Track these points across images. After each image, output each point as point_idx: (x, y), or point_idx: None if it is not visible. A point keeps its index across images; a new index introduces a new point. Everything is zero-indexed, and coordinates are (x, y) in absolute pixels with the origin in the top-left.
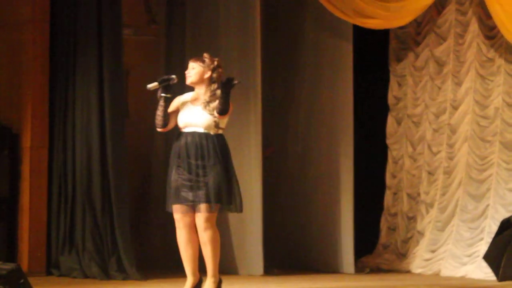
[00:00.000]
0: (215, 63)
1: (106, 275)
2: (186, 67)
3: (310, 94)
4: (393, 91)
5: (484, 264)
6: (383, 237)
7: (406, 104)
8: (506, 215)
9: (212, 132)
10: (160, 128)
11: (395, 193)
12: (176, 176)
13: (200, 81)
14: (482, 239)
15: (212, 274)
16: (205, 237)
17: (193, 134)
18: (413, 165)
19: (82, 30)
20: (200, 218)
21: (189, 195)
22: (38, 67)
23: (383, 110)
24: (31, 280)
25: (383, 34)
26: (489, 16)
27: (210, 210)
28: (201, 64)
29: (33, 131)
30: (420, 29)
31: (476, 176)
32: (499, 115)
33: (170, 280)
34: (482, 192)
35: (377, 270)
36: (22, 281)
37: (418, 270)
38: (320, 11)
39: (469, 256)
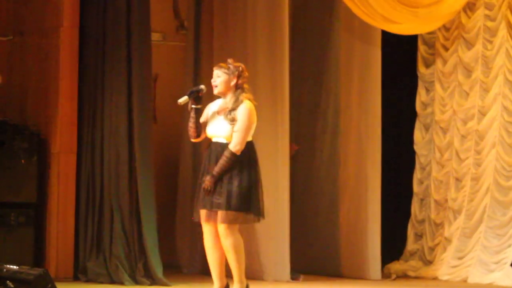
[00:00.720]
0: (240, 68)
1: (133, 281)
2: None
3: (337, 99)
4: (421, 97)
5: None
6: (410, 244)
7: (434, 110)
8: None
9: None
10: (194, 139)
11: (422, 200)
12: (201, 186)
13: (227, 89)
14: (510, 245)
15: (238, 280)
16: (226, 245)
17: (216, 144)
18: (441, 172)
19: (111, 35)
20: (220, 226)
21: (210, 203)
22: (67, 73)
23: (411, 116)
24: (58, 285)
25: (411, 40)
26: None
27: (228, 218)
28: (226, 71)
29: (62, 136)
30: (449, 34)
31: (504, 182)
32: None
33: (197, 285)
34: (510, 198)
35: (403, 276)
36: (49, 286)
37: (445, 277)
38: (348, 15)
39: (496, 263)
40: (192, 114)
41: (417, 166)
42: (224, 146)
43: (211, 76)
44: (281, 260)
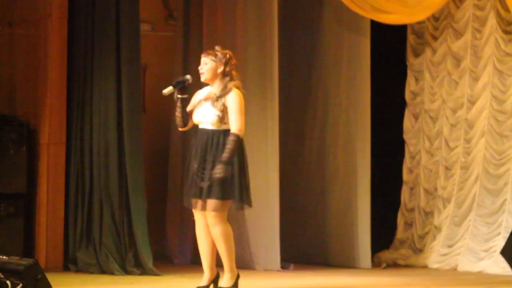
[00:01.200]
0: (227, 56)
1: (123, 270)
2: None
3: (327, 89)
4: (410, 86)
5: (501, 259)
6: (399, 232)
7: (423, 99)
8: None
9: (218, 128)
10: (181, 128)
11: (412, 188)
12: (189, 172)
13: (214, 77)
14: (499, 234)
15: (228, 270)
16: (214, 233)
17: (202, 131)
18: (430, 160)
19: (100, 26)
20: (208, 214)
21: (198, 191)
22: (56, 63)
23: (400, 105)
24: (48, 275)
25: (401, 29)
26: (507, 11)
27: (216, 206)
28: (213, 58)
29: (51, 127)
30: (438, 24)
31: (493, 171)
32: None
33: (187, 275)
34: (499, 187)
35: (393, 265)
36: (39, 276)
37: (435, 265)
38: (337, 6)
39: (486, 251)
40: (178, 104)
41: (407, 155)
42: (209, 132)
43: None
44: (272, 249)
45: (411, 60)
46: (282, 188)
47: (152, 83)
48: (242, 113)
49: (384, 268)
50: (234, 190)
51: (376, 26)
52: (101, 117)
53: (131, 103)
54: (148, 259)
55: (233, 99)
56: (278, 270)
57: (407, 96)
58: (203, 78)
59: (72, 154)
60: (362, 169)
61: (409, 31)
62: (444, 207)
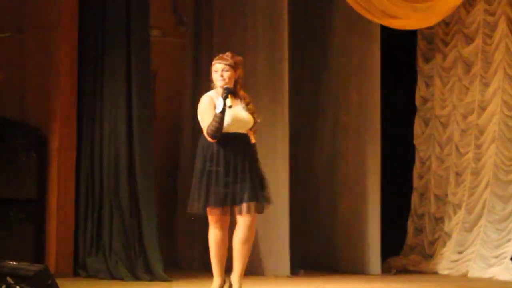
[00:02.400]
0: (241, 62)
1: (133, 276)
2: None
3: (337, 94)
4: (421, 91)
5: None
6: (410, 238)
7: (433, 105)
8: None
9: (247, 132)
10: (216, 139)
11: (422, 194)
12: (214, 177)
13: (231, 84)
14: (509, 240)
15: (240, 274)
16: (246, 236)
17: (236, 136)
18: (441, 166)
19: (110, 32)
20: (244, 217)
21: (228, 195)
22: (66, 69)
23: (411, 110)
24: (58, 281)
25: (411, 35)
26: None
27: (254, 209)
28: (232, 66)
29: (61, 133)
30: (448, 29)
31: (503, 177)
32: None
33: (197, 280)
34: (509, 193)
35: (403, 271)
36: (49, 282)
37: (445, 272)
38: (347, 11)
39: (496, 257)
40: (222, 116)
41: (417, 160)
42: (245, 137)
43: (210, 72)
44: (281, 255)
45: (421, 65)
46: (292, 193)
47: (162, 89)
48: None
49: (394, 274)
50: (268, 192)
51: (387, 32)
52: (112, 123)
53: (141, 109)
54: (158, 265)
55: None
56: (288, 276)
57: (418, 101)
58: (222, 84)
59: (83, 160)
60: (372, 175)
61: (419, 36)
62: (455, 213)
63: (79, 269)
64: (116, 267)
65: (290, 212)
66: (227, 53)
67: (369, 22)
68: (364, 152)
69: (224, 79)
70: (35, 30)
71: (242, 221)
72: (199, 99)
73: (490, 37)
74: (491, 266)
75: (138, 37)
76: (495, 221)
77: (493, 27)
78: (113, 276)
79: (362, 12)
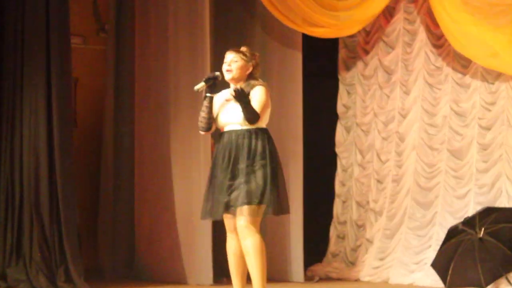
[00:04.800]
0: (257, 58)
1: (54, 286)
2: (135, 76)
3: None
4: (342, 99)
5: (432, 272)
6: (332, 246)
7: (355, 113)
8: (453, 222)
9: (249, 127)
10: (204, 131)
11: (344, 201)
12: (218, 181)
13: (241, 77)
14: (430, 246)
15: None
16: (245, 245)
17: (230, 132)
18: (362, 173)
19: (30, 39)
20: (239, 223)
21: (229, 199)
22: None
23: (332, 118)
24: None
25: (332, 43)
26: (436, 25)
27: (249, 212)
28: (243, 57)
29: None
30: (369, 38)
31: (424, 184)
32: (446, 123)
33: None
34: (430, 200)
35: (326, 278)
36: None
37: (367, 278)
38: (269, 20)
39: (417, 263)
40: (206, 103)
41: (339, 168)
42: (239, 132)
43: (132, 81)
44: (204, 263)
45: (342, 73)
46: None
47: (83, 96)
48: (265, 106)
49: (317, 281)
50: (267, 195)
51: (308, 40)
52: (32, 130)
53: (62, 117)
54: (79, 274)
55: (259, 91)
56: (211, 285)
57: (339, 109)
58: (229, 76)
59: (2, 169)
60: (295, 183)
61: (340, 45)
62: (376, 220)
63: None
64: (36, 277)
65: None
66: (243, 47)
67: (291, 30)
68: (287, 159)
69: (230, 70)
70: None
71: (239, 232)
72: (121, 106)
73: (410, 45)
74: (412, 272)
75: (58, 45)
76: (416, 228)
77: (413, 36)
78: (33, 286)
79: (283, 20)
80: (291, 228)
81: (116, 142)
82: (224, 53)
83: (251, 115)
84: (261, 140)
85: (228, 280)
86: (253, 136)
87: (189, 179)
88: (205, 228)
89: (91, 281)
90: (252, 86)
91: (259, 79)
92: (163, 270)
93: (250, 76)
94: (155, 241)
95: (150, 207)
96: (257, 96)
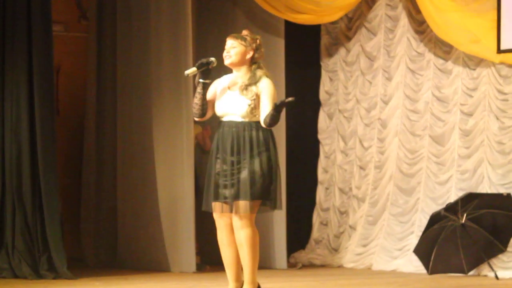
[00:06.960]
0: (258, 41)
1: (37, 275)
2: (117, 64)
3: None
4: (325, 86)
5: (415, 258)
6: (315, 232)
7: (337, 99)
8: (436, 208)
9: (250, 120)
10: (198, 117)
11: (327, 188)
12: (214, 171)
13: (241, 62)
14: (412, 232)
15: (249, 281)
16: (240, 237)
17: (230, 123)
18: (345, 160)
19: (11, 26)
20: (235, 216)
21: (226, 192)
22: None
23: (315, 105)
24: None
25: (315, 30)
26: (418, 11)
27: (245, 208)
28: (242, 42)
29: None
30: (351, 24)
31: (406, 170)
32: (428, 109)
33: (102, 278)
34: (412, 186)
35: (309, 265)
36: None
37: (350, 265)
38: (251, 6)
39: (399, 250)
40: (199, 89)
41: (322, 155)
42: (239, 124)
43: (114, 68)
44: (190, 251)
45: (325, 60)
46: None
47: (65, 84)
48: (274, 101)
49: (300, 268)
50: (263, 190)
51: (291, 26)
52: (13, 118)
53: (43, 105)
54: (62, 263)
55: (267, 86)
56: (194, 272)
57: (322, 96)
58: (228, 62)
59: None
60: None
61: (323, 31)
62: (359, 206)
63: None
64: (19, 266)
65: (195, 208)
66: (244, 31)
67: (273, 16)
68: None
69: (229, 56)
70: None
71: (233, 223)
72: (103, 93)
73: (392, 31)
74: (394, 258)
75: (39, 32)
76: (398, 214)
77: (394, 22)
78: (16, 275)
79: (265, 6)
80: (274, 215)
81: (98, 130)
82: (206, 40)
83: (275, 123)
84: (262, 133)
85: (211, 268)
86: (254, 129)
87: (172, 167)
88: (188, 216)
89: (74, 269)
90: (259, 78)
91: (263, 68)
92: (146, 258)
93: (253, 61)
94: (138, 230)
95: (132, 195)
96: (268, 91)
